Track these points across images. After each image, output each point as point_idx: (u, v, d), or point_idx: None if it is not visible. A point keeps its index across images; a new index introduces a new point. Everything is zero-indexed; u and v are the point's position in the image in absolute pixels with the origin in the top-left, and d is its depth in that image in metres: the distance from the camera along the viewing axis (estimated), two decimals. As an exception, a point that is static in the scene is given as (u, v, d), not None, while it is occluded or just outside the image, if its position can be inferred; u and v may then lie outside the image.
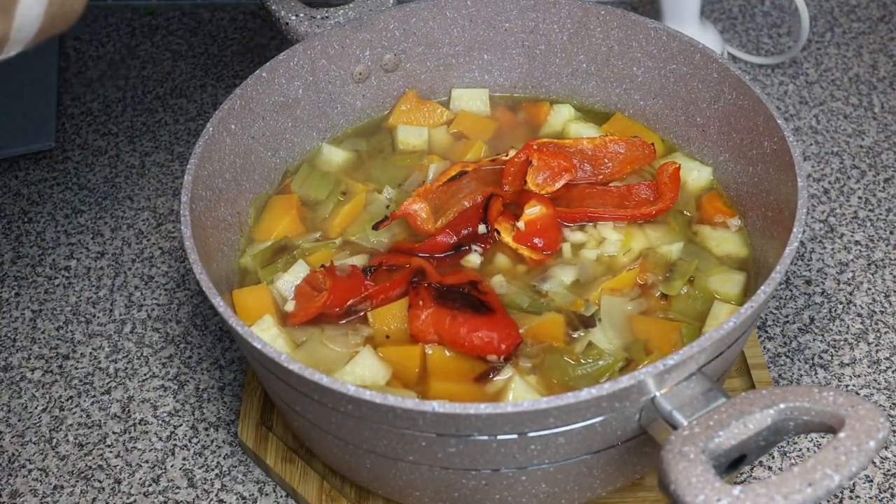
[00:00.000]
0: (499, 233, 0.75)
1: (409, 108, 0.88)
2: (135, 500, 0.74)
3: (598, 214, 0.77)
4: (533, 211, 0.75)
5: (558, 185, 0.78)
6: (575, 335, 0.70)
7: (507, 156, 0.81)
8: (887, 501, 0.73)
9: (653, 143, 0.82)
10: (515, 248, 0.75)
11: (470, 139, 0.86)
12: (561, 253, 0.76)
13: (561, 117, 0.87)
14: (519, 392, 0.65)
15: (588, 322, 0.70)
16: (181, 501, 0.74)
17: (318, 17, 0.83)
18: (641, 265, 0.74)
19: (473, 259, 0.75)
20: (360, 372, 0.67)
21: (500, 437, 0.55)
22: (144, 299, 0.89)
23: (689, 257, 0.75)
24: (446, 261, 0.75)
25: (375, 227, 0.77)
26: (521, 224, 0.75)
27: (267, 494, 0.74)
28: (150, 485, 0.75)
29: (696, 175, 0.81)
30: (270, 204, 0.81)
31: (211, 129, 0.73)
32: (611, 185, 0.81)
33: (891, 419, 0.78)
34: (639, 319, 0.71)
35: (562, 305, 0.71)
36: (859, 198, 0.96)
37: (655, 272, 0.74)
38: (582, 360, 0.67)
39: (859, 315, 0.85)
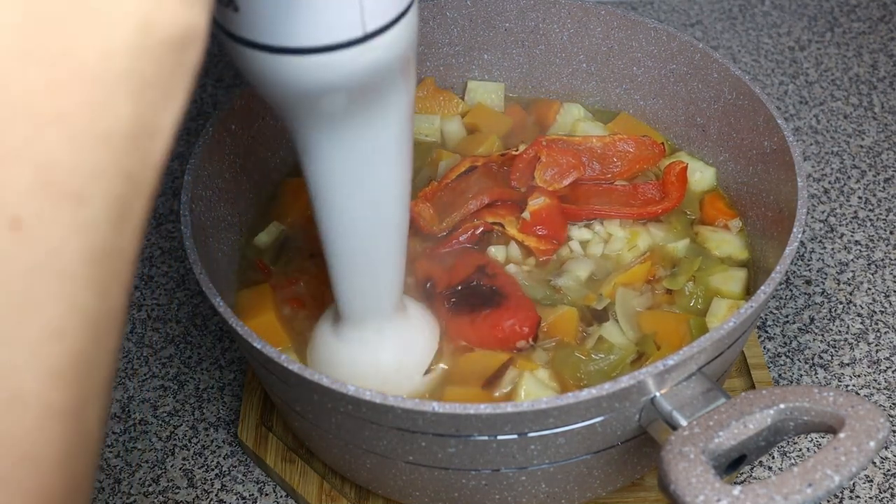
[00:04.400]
0: (503, 226, 0.76)
1: (426, 94, 0.88)
2: (135, 500, 0.74)
3: (604, 212, 0.77)
4: (537, 202, 0.76)
5: (566, 181, 0.79)
6: (589, 330, 0.70)
7: (516, 150, 0.81)
8: (887, 501, 0.73)
9: (662, 143, 0.83)
10: (521, 240, 0.75)
11: (483, 133, 0.86)
12: (572, 250, 0.76)
13: (570, 117, 0.87)
14: (531, 390, 0.65)
15: (601, 317, 0.70)
16: (181, 501, 0.74)
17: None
18: (650, 260, 0.74)
19: (496, 253, 0.75)
20: None
21: (500, 437, 0.55)
22: (144, 299, 0.89)
23: (692, 255, 0.75)
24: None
25: None
26: (525, 214, 0.76)
27: (267, 494, 0.74)
28: (150, 485, 0.75)
29: (699, 176, 0.81)
30: (286, 187, 0.82)
31: (211, 129, 0.73)
32: (616, 183, 0.81)
33: (891, 419, 0.78)
34: (647, 313, 0.71)
35: (575, 300, 0.72)
36: (859, 198, 0.96)
37: (663, 266, 0.74)
38: (593, 356, 0.68)
39: (859, 315, 0.85)
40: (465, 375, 0.68)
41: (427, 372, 0.67)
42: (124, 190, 0.27)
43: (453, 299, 0.70)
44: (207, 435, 0.78)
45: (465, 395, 0.67)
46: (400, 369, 0.66)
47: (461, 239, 0.75)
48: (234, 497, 0.74)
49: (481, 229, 0.76)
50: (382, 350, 0.65)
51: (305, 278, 0.74)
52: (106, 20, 0.26)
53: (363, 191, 0.54)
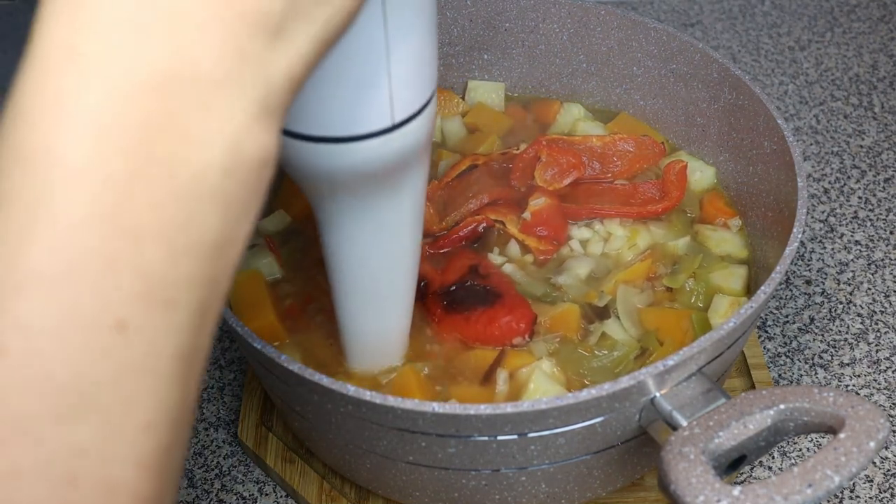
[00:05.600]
0: (504, 224, 0.76)
1: None
2: (135, 500, 0.74)
3: (604, 211, 0.77)
4: (538, 202, 0.76)
5: (566, 181, 0.79)
6: (591, 327, 0.70)
7: (517, 149, 0.81)
8: (887, 501, 0.73)
9: (662, 142, 0.83)
10: (522, 240, 0.75)
11: (483, 132, 0.86)
12: (572, 249, 0.76)
13: (570, 116, 0.87)
14: (540, 385, 0.66)
15: (602, 314, 0.71)
16: (181, 501, 0.74)
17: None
18: (650, 258, 0.75)
19: (494, 259, 0.75)
20: None
21: (500, 437, 0.55)
22: (144, 299, 0.89)
23: (692, 253, 0.75)
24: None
25: None
26: (526, 215, 0.76)
27: (267, 494, 0.74)
28: (150, 485, 0.75)
29: (699, 175, 0.81)
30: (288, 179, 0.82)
31: (211, 129, 0.73)
32: (616, 182, 0.81)
33: (891, 419, 0.78)
34: (649, 310, 0.71)
35: (576, 297, 0.72)
36: (859, 198, 0.96)
37: (664, 264, 0.75)
38: (596, 353, 0.68)
39: (859, 315, 0.85)
40: (463, 374, 0.68)
41: None
42: (207, 295, 0.30)
43: (448, 299, 0.70)
44: (207, 435, 0.78)
45: (468, 393, 0.67)
46: None
47: (462, 233, 0.75)
48: (234, 497, 0.74)
49: (483, 225, 0.76)
50: None
51: (317, 293, 0.74)
52: (200, 144, 0.29)
53: (376, 257, 0.58)
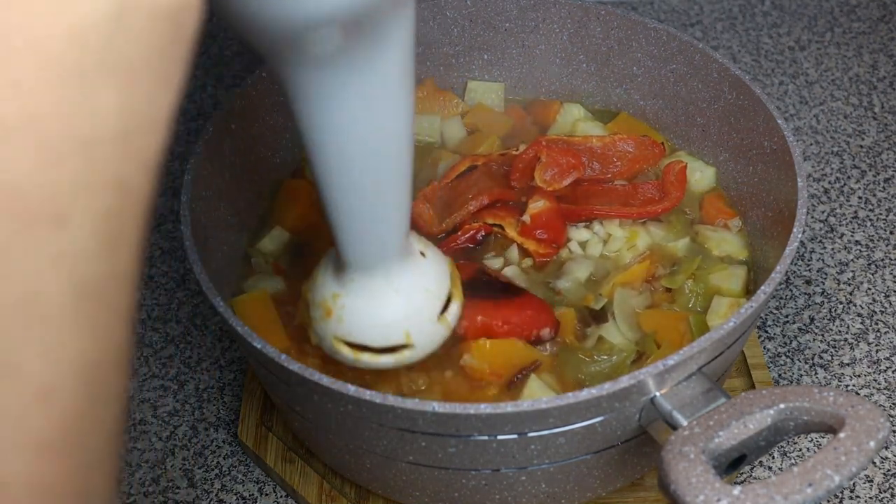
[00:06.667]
0: (503, 228, 0.75)
1: (426, 94, 0.88)
2: (135, 500, 0.74)
3: (604, 212, 0.77)
4: (537, 205, 0.76)
5: (566, 182, 0.79)
6: (587, 331, 0.70)
7: (517, 150, 0.81)
8: (887, 501, 0.73)
9: (662, 143, 0.83)
10: (521, 243, 0.75)
11: (483, 133, 0.86)
12: (571, 251, 0.76)
13: (570, 117, 0.87)
14: (534, 391, 0.65)
15: (599, 317, 0.70)
16: (181, 501, 0.74)
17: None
18: (649, 259, 0.74)
19: (494, 263, 0.75)
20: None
21: (500, 437, 0.55)
22: (144, 299, 0.89)
23: (691, 254, 0.75)
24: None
25: None
26: (525, 218, 0.75)
27: (267, 494, 0.74)
28: (150, 485, 0.75)
29: (699, 176, 0.81)
30: (285, 188, 0.81)
31: (211, 129, 0.73)
32: (616, 183, 0.81)
33: (891, 419, 0.78)
34: (647, 312, 0.71)
35: (574, 302, 0.72)
36: (859, 198, 0.96)
37: (663, 265, 0.74)
38: (595, 357, 0.68)
39: (859, 315, 0.85)
40: (487, 367, 0.67)
41: (441, 314, 0.61)
42: (115, 202, 0.22)
43: (471, 287, 0.69)
44: (207, 435, 0.78)
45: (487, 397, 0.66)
46: (410, 316, 0.60)
47: (460, 241, 0.75)
48: (234, 497, 0.74)
49: (482, 233, 0.76)
50: (391, 298, 0.59)
51: None
52: None
53: (364, 133, 0.50)
